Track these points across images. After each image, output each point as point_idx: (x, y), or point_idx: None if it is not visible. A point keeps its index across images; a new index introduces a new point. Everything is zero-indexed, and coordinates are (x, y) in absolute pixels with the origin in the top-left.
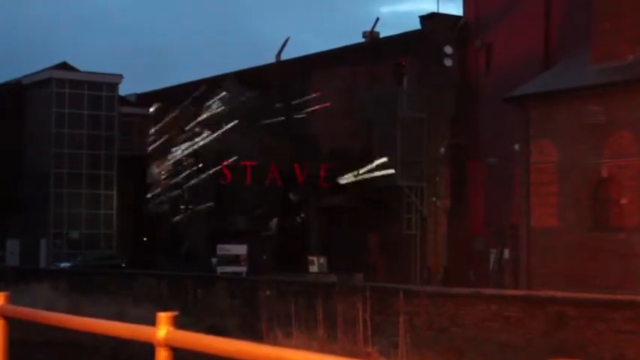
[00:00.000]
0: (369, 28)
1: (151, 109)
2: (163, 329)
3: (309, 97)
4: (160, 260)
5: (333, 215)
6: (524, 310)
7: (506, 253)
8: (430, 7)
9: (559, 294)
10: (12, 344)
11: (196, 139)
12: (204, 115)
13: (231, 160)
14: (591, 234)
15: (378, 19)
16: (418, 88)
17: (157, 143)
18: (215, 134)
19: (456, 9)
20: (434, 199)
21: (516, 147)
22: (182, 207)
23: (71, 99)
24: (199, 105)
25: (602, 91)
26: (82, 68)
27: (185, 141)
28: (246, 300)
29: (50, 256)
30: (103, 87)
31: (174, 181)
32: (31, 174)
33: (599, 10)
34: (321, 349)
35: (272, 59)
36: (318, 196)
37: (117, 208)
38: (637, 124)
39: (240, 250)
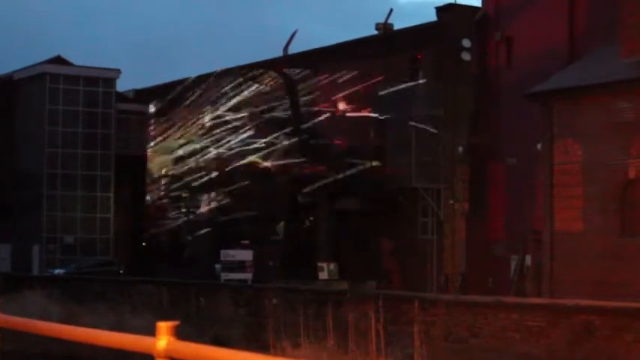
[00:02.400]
0: (382, 20)
1: (151, 106)
2: (164, 340)
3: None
4: (160, 266)
5: (344, 219)
6: (547, 319)
7: (528, 259)
8: None
9: (584, 302)
10: (3, 355)
11: (198, 138)
12: (207, 113)
13: (235, 160)
14: (619, 239)
15: (391, 10)
16: (434, 84)
17: (157, 142)
18: (219, 133)
19: None
20: (451, 201)
21: (539, 146)
22: (184, 210)
23: (65, 95)
24: (202, 101)
25: (631, 86)
26: (77, 62)
27: (186, 140)
28: (251, 309)
29: (43, 263)
30: (100, 82)
31: (175, 182)
32: (23, 175)
33: (628, 1)
34: None
35: (279, 53)
36: (329, 198)
37: (114, 211)
38: None
39: (246, 255)
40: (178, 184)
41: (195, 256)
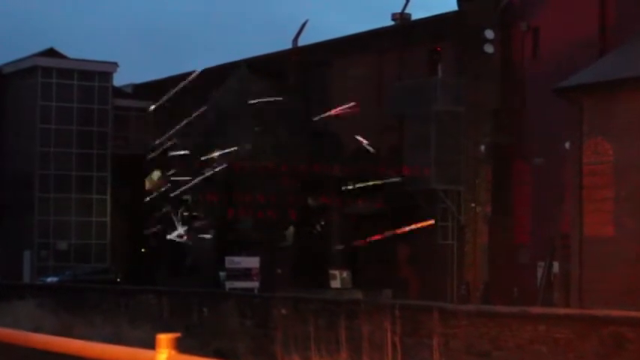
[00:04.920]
0: (399, 9)
1: (151, 102)
2: (164, 353)
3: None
4: (160, 275)
5: (357, 223)
6: (575, 331)
7: (556, 266)
8: None
9: (615, 313)
10: None
11: (201, 137)
12: (211, 110)
13: (241, 161)
14: None
15: None
16: (455, 78)
17: (157, 141)
18: (224, 130)
19: None
20: (473, 204)
21: (567, 145)
22: (185, 214)
23: (59, 90)
24: (205, 97)
25: None
26: (71, 55)
27: (188, 138)
28: (258, 320)
29: (35, 270)
30: (96, 76)
31: (176, 184)
32: (13, 176)
33: None
34: None
35: (288, 44)
36: (341, 201)
37: (111, 214)
38: None
39: (252, 262)
40: (180, 185)
41: (198, 264)
